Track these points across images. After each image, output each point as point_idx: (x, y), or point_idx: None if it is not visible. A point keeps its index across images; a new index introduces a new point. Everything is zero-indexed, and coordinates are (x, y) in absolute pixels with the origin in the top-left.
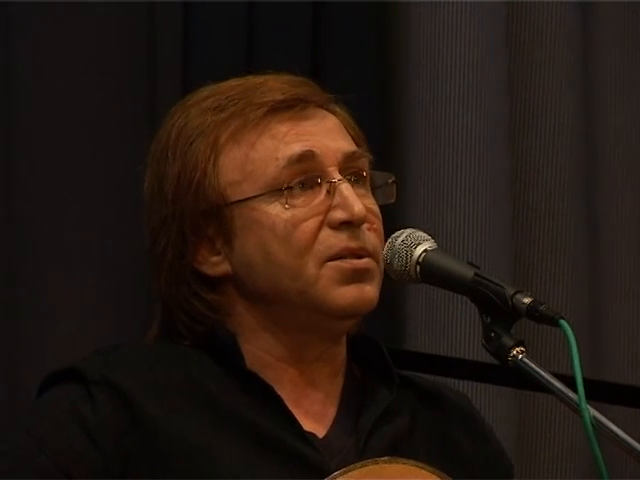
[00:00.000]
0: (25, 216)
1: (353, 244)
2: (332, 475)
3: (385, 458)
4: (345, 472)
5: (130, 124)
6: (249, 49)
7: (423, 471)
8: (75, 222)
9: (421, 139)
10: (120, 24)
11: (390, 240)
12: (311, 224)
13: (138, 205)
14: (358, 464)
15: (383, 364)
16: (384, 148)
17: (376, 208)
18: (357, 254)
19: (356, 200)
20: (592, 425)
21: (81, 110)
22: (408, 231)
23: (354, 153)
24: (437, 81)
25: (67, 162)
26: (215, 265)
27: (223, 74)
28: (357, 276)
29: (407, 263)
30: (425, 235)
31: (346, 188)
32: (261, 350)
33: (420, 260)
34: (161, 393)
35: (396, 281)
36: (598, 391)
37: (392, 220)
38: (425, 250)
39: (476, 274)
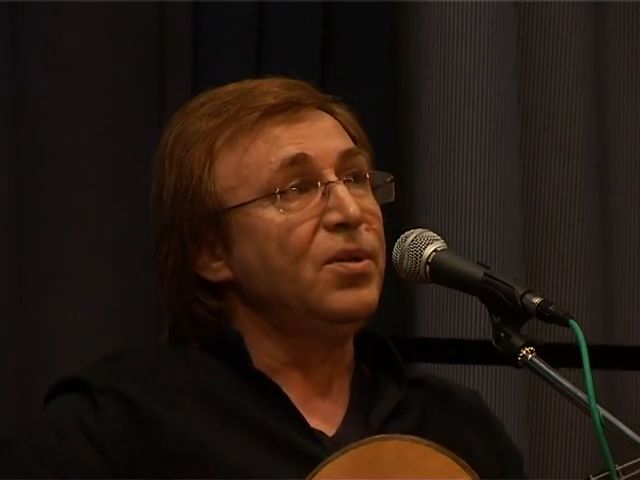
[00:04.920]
0: (34, 217)
1: (350, 246)
2: (330, 457)
3: (382, 435)
4: (343, 452)
5: (140, 125)
6: (259, 49)
7: (420, 445)
8: (84, 224)
9: (431, 139)
10: (130, 24)
11: (399, 240)
12: (306, 227)
13: (147, 204)
14: (355, 444)
15: (392, 361)
16: (394, 148)
17: (375, 208)
18: (354, 256)
19: (351, 201)
20: (602, 425)
21: (90, 111)
22: (418, 231)
23: (350, 151)
24: (447, 81)
25: (76, 163)
26: (216, 271)
27: (233, 74)
28: (354, 280)
29: (416, 263)
30: (435, 235)
31: (341, 190)
32: (265, 354)
33: (429, 260)
34: (167, 395)
35: (406, 281)
36: (609, 359)
37: (402, 220)
38: (435, 250)
39: (486, 274)
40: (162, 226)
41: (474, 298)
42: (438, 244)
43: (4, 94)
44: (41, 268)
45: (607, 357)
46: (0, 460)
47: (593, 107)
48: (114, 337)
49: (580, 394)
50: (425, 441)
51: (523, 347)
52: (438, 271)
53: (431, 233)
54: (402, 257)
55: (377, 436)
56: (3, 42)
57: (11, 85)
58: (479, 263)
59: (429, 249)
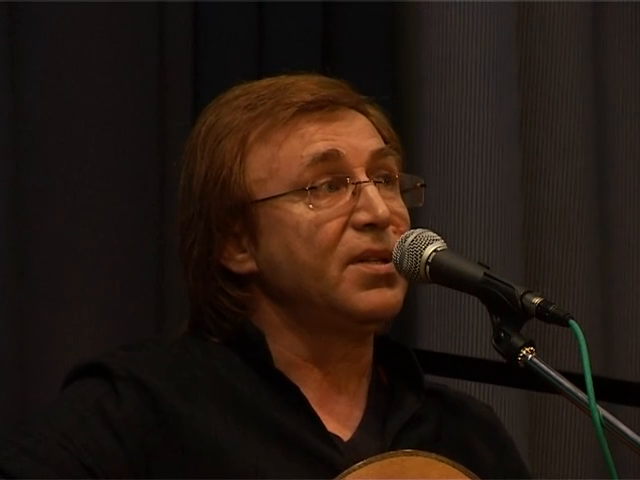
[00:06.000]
0: (34, 213)
1: (376, 246)
2: (353, 466)
3: (406, 450)
4: (366, 463)
5: (140, 125)
6: (259, 50)
7: (443, 464)
8: (84, 224)
9: (431, 140)
10: (130, 24)
11: (400, 240)
12: (334, 225)
13: (147, 204)
14: (379, 456)
15: (412, 371)
16: None
17: (404, 211)
18: (380, 256)
19: (380, 202)
20: (602, 425)
21: (90, 110)
22: (418, 231)
23: (381, 150)
24: (447, 82)
25: (76, 163)
26: (241, 262)
27: (233, 74)
28: (379, 281)
29: (417, 263)
30: (435, 235)
31: (371, 190)
32: (287, 349)
33: (430, 260)
34: (186, 390)
35: (406, 281)
36: (609, 391)
37: None
38: (435, 250)
39: (486, 274)
40: (189, 215)
41: (474, 298)
42: (438, 244)
43: (4, 94)
44: (41, 268)
45: (609, 391)
46: (19, 440)
47: (593, 107)
48: (114, 337)
49: (580, 394)
50: (450, 461)
51: (523, 347)
52: (438, 271)
53: (431, 233)
54: (402, 257)
55: (402, 450)
56: (2, 42)
57: (11, 85)
58: (479, 263)
59: (429, 249)
